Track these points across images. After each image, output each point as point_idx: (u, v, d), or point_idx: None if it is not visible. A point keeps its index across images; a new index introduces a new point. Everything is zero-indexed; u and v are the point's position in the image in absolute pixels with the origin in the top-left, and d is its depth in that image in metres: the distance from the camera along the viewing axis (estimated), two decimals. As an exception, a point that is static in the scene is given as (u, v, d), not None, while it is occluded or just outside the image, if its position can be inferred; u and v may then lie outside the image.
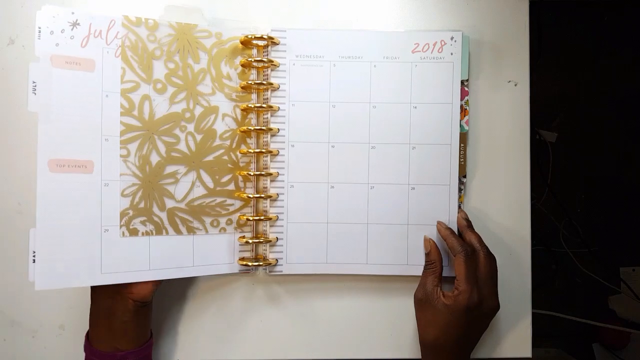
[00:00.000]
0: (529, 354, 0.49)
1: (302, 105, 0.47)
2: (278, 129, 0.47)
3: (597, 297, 1.30)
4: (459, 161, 0.48)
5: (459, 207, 0.48)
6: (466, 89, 0.48)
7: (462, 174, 0.48)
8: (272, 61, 0.46)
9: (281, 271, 0.47)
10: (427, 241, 0.46)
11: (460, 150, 0.48)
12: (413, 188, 0.47)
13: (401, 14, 0.51)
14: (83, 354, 0.44)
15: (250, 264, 0.46)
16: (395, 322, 0.49)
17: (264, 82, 0.46)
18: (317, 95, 0.47)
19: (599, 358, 1.27)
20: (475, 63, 0.50)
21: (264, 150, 0.46)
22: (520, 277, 0.50)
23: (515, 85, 0.50)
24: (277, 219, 0.47)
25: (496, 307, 0.43)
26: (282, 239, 0.47)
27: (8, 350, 0.48)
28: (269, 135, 0.47)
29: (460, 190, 0.48)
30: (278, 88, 0.47)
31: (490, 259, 0.43)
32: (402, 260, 0.47)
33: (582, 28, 1.34)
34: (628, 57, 1.32)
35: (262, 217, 0.46)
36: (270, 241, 0.46)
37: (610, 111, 1.33)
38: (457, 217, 0.47)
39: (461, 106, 0.48)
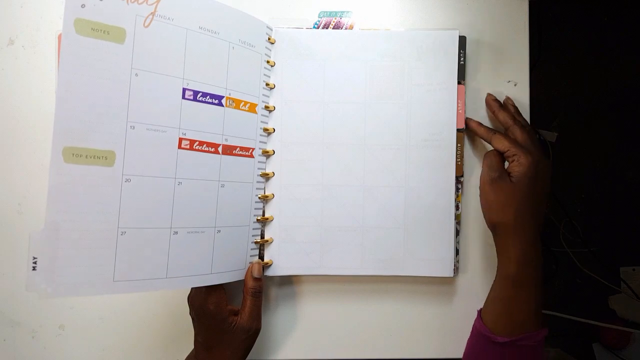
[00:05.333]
0: (528, 354, 0.49)
1: (296, 105, 0.47)
2: (274, 129, 0.47)
3: (597, 297, 1.30)
4: (456, 161, 0.47)
5: (457, 206, 0.48)
6: (463, 86, 0.48)
7: (459, 174, 0.48)
8: (268, 61, 0.46)
9: (276, 272, 0.47)
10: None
11: (457, 150, 0.47)
12: (409, 188, 0.47)
13: (401, 14, 0.51)
14: (84, 354, 0.43)
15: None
16: (393, 323, 0.49)
17: (269, 83, 0.46)
18: (311, 95, 0.47)
19: (599, 358, 1.27)
20: (475, 63, 0.50)
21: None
22: (520, 277, 0.50)
23: (515, 85, 0.50)
24: (272, 219, 0.47)
25: (548, 165, 0.43)
26: (276, 240, 0.47)
27: (8, 350, 0.48)
28: (266, 135, 0.47)
29: (457, 189, 0.48)
30: (273, 87, 0.47)
31: (528, 128, 0.45)
32: (397, 262, 0.47)
33: (582, 28, 1.34)
34: (628, 57, 1.32)
35: (258, 218, 0.46)
36: (267, 241, 0.46)
37: (610, 111, 1.33)
38: (487, 99, 0.49)
39: (458, 105, 0.47)
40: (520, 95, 0.50)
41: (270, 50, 0.47)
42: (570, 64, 1.33)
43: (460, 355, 0.48)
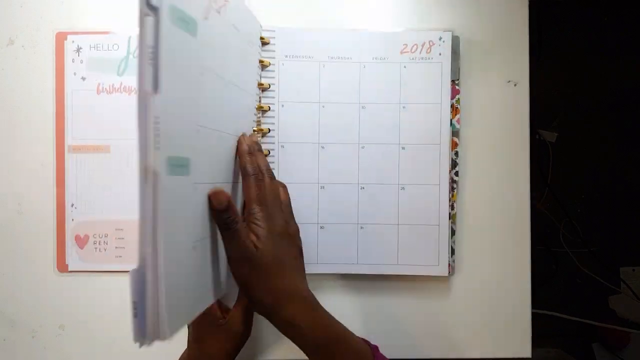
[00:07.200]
0: (528, 354, 0.49)
1: (292, 105, 0.47)
2: (269, 129, 0.47)
3: (597, 297, 1.30)
4: (451, 161, 0.48)
5: (452, 206, 0.48)
6: (457, 87, 0.48)
7: (455, 174, 0.48)
8: (262, 61, 0.46)
9: None
10: (221, 194, 0.35)
11: (451, 150, 0.48)
12: (403, 188, 0.47)
13: (399, 13, 0.51)
14: (84, 354, 0.43)
15: None
16: (389, 322, 0.49)
17: (260, 82, 0.46)
18: (307, 96, 0.47)
19: (599, 358, 1.27)
20: (475, 63, 0.50)
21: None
22: (520, 277, 0.50)
23: (515, 85, 0.50)
24: None
25: (295, 229, 0.40)
26: None
27: (8, 350, 0.48)
28: (259, 136, 0.47)
29: (453, 189, 0.48)
30: (268, 88, 0.47)
31: (275, 183, 0.40)
32: (392, 260, 0.47)
33: (582, 28, 1.34)
34: (628, 57, 1.32)
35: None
36: None
37: (611, 111, 1.33)
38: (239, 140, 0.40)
39: (452, 105, 0.48)
40: (520, 95, 0.50)
41: (264, 50, 0.47)
42: (570, 64, 1.33)
43: (455, 355, 0.49)
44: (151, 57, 0.27)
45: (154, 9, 0.27)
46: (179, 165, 0.30)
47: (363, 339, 0.41)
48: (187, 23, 0.31)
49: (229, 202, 0.35)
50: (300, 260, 0.40)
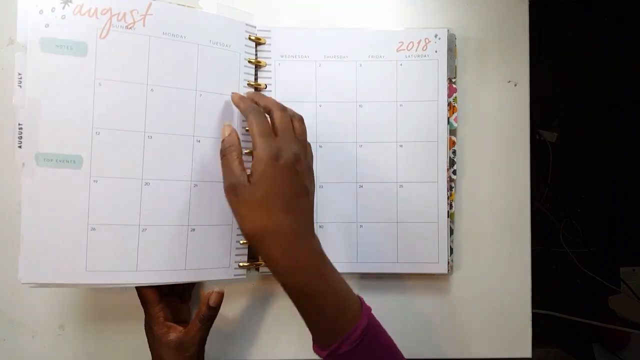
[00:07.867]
0: (529, 354, 0.49)
1: (289, 105, 0.46)
2: None
3: (597, 297, 1.30)
4: (449, 159, 0.48)
5: (451, 205, 0.48)
6: (454, 85, 0.48)
7: (452, 173, 0.48)
8: (258, 61, 0.46)
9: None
10: (228, 127, 0.39)
11: (449, 148, 0.48)
12: (401, 186, 0.47)
13: (398, 13, 0.51)
14: (84, 354, 0.43)
15: (246, 265, 0.45)
16: (387, 320, 0.49)
17: (252, 83, 0.46)
18: (304, 95, 0.47)
19: (599, 358, 1.27)
20: (475, 63, 0.50)
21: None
22: (520, 277, 0.50)
23: (515, 85, 0.50)
24: None
25: (306, 167, 0.38)
26: None
27: (8, 350, 0.48)
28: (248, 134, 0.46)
29: (451, 188, 0.48)
30: (265, 88, 0.47)
31: (286, 115, 0.39)
32: (392, 259, 0.47)
33: (582, 28, 1.34)
34: (628, 57, 1.32)
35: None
36: None
37: (610, 111, 1.33)
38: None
39: (449, 104, 0.48)
40: (520, 95, 0.50)
41: (254, 49, 0.46)
42: (570, 64, 1.33)
43: (455, 355, 0.49)
44: (19, 82, 0.37)
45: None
46: (61, 161, 0.38)
47: (359, 298, 0.39)
48: (69, 48, 0.38)
49: (229, 136, 0.39)
50: (301, 200, 0.38)
